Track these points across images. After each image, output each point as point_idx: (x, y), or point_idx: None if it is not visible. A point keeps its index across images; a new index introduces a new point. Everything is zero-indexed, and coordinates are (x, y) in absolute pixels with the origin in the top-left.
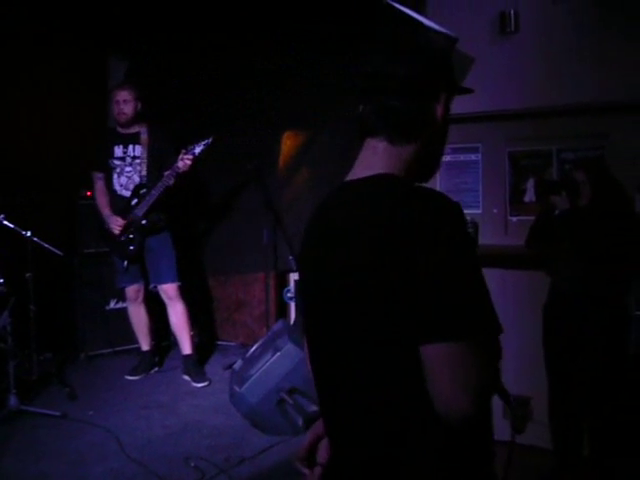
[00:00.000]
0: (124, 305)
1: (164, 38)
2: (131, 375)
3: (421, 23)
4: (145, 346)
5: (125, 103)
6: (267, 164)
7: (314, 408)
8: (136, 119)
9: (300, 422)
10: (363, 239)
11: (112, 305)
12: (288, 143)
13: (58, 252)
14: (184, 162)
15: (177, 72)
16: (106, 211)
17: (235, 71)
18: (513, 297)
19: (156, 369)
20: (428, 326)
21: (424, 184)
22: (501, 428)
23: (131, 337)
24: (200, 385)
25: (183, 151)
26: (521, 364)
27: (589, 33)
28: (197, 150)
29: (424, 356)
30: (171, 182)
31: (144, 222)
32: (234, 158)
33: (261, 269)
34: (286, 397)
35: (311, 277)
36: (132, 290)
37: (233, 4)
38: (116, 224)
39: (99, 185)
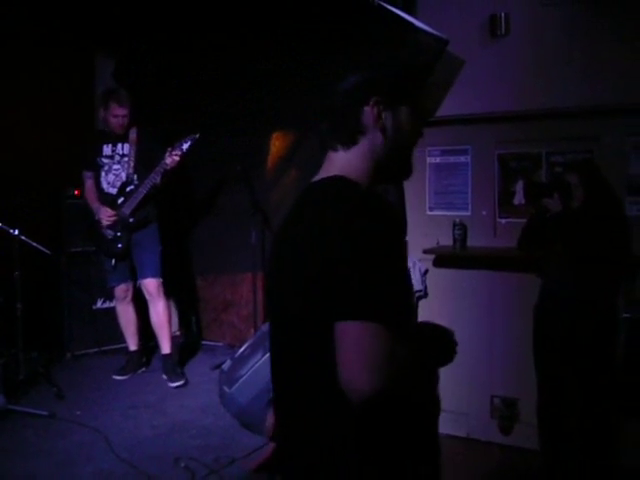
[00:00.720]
0: (111, 304)
1: (152, 38)
2: (118, 375)
3: (411, 24)
4: (133, 346)
5: (124, 118)
6: (255, 165)
7: None
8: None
9: None
10: (303, 235)
11: (99, 304)
12: (277, 144)
13: (46, 251)
14: (172, 159)
15: (165, 72)
16: (95, 204)
17: (224, 72)
18: (501, 298)
19: (143, 369)
20: (342, 306)
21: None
22: (489, 428)
23: (118, 337)
24: (175, 385)
25: (169, 149)
26: (508, 365)
27: (579, 36)
28: (184, 146)
29: (336, 334)
30: (158, 179)
31: (131, 220)
32: (222, 159)
33: (249, 269)
34: None
35: (272, 272)
36: (121, 289)
37: (222, 5)
38: (106, 215)
39: (89, 184)
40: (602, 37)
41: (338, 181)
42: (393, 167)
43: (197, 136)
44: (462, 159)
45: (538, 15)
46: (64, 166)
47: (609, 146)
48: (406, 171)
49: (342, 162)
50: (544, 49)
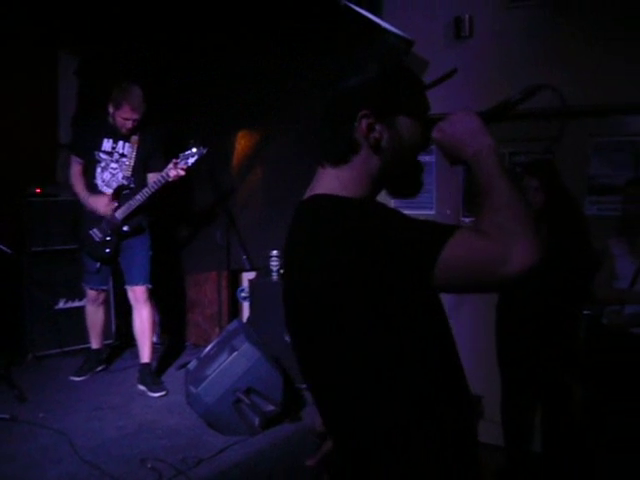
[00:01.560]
0: (74, 305)
1: (115, 37)
2: (76, 376)
3: (379, 25)
4: (96, 345)
5: (134, 122)
6: (221, 164)
7: (271, 408)
8: None
9: (257, 422)
10: (307, 258)
11: (61, 305)
12: (242, 143)
13: (7, 250)
14: (177, 172)
15: (129, 71)
16: (84, 193)
17: (190, 70)
18: (464, 296)
19: (102, 367)
20: (424, 251)
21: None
22: None
23: (81, 337)
24: (157, 395)
25: (175, 160)
26: (472, 363)
27: (543, 39)
28: (190, 161)
29: (449, 261)
30: (157, 189)
31: (125, 229)
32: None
33: (214, 269)
34: (243, 397)
35: (287, 293)
36: (96, 292)
37: (186, 5)
38: (103, 204)
39: (76, 169)
40: (565, 40)
41: (325, 199)
42: (396, 183)
43: (205, 151)
44: (427, 158)
45: (502, 18)
46: (25, 164)
47: (570, 147)
48: (414, 186)
49: (331, 179)
50: (508, 51)
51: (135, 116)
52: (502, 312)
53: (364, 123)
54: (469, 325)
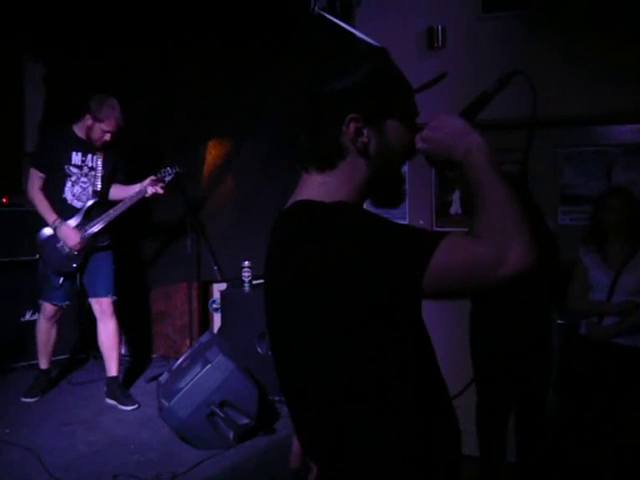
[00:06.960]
0: None
1: (83, 42)
2: (27, 397)
3: (352, 34)
4: (45, 365)
5: (112, 136)
6: (191, 173)
7: (245, 421)
8: None
9: (231, 435)
10: (288, 266)
11: (28, 317)
12: (213, 152)
13: None
14: (155, 190)
15: (98, 78)
16: (53, 217)
17: (158, 78)
18: (438, 307)
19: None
20: (413, 257)
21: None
22: None
23: None
24: (129, 408)
25: (153, 177)
26: (444, 373)
27: (515, 50)
28: (167, 179)
29: (440, 266)
30: (133, 204)
31: (102, 244)
32: (157, 166)
33: (184, 279)
34: (217, 410)
35: (268, 301)
36: (55, 308)
37: (158, 12)
38: (74, 242)
39: (38, 184)
40: (537, 51)
41: (306, 204)
42: (380, 192)
43: (180, 171)
44: None
45: (474, 28)
46: None
47: (542, 157)
48: (397, 197)
49: (315, 185)
50: (480, 62)
51: (117, 130)
52: (475, 323)
53: (352, 127)
54: (440, 335)
